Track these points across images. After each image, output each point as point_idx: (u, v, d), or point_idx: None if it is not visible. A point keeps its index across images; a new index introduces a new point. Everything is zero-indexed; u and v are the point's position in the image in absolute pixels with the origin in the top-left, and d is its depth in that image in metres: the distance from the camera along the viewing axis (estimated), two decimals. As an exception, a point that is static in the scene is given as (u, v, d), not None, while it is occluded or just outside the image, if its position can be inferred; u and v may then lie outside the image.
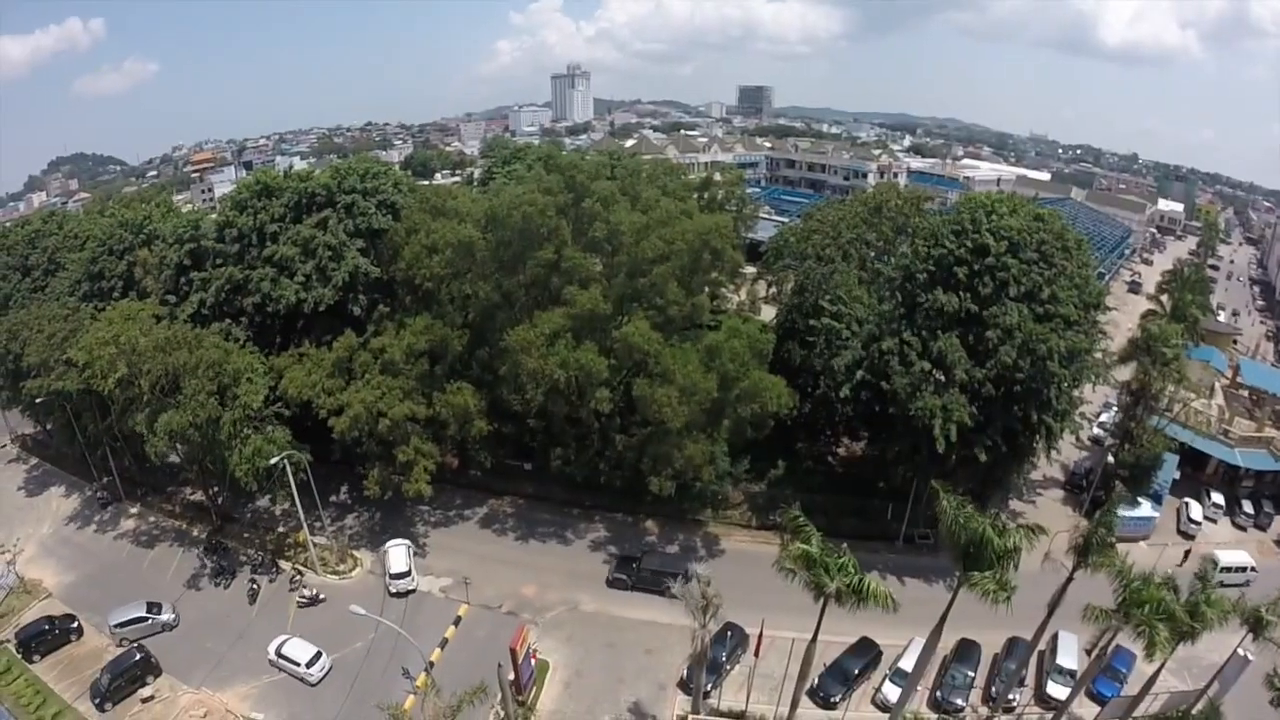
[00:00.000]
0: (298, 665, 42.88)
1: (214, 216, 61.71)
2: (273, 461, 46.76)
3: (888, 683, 40.93)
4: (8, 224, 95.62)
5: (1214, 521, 57.93)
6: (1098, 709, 38.64)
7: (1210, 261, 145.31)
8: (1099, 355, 50.61)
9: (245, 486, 48.45)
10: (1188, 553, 52.00)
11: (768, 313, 61.06)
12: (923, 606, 38.68)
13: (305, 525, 50.32)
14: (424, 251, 50.81)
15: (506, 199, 50.12)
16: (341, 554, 52.79)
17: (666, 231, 47.72)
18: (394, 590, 49.19)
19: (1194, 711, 36.17)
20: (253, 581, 50.41)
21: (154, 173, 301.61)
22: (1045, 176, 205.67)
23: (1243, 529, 57.92)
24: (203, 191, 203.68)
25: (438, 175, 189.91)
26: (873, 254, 63.75)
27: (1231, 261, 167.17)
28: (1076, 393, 49.12)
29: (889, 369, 46.21)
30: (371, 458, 50.30)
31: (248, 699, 42.28)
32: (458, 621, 46.85)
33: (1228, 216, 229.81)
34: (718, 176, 66.81)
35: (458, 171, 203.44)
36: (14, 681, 43.76)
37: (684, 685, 41.31)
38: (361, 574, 51.46)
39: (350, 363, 51.32)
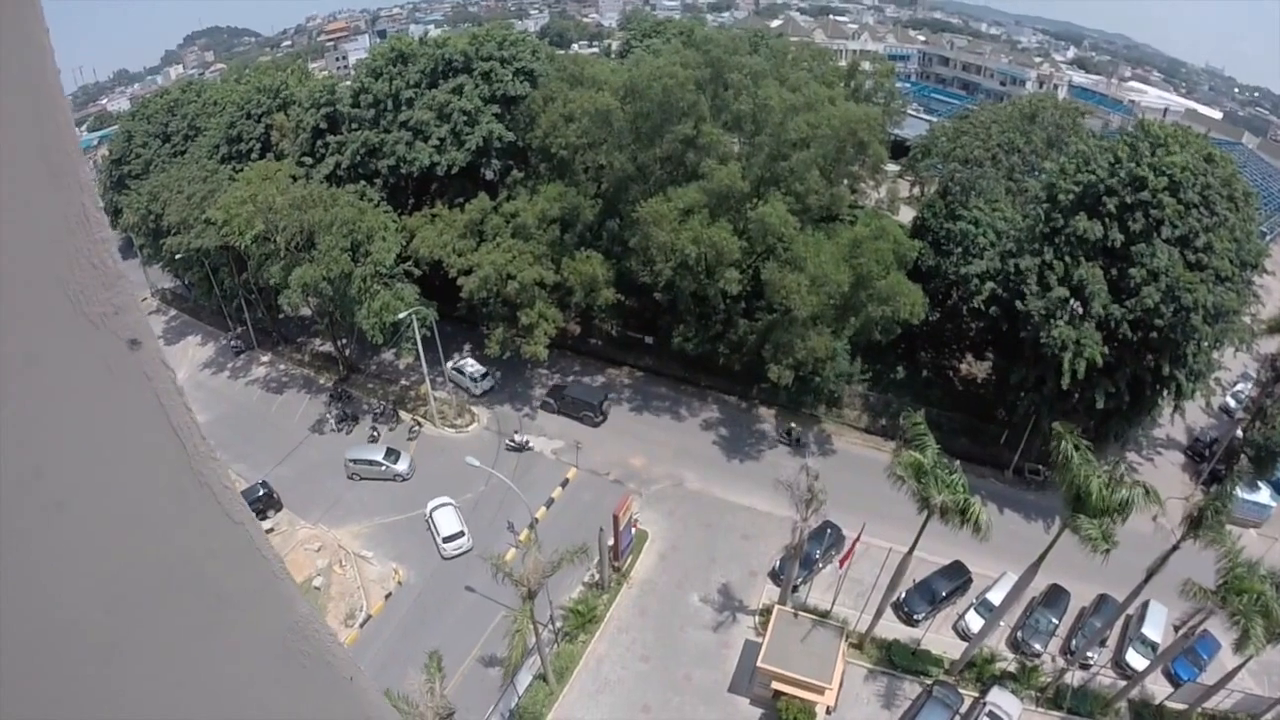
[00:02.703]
0: (438, 534, 43.77)
1: (349, 83, 62.45)
2: (400, 316, 48.31)
3: (972, 612, 39.70)
4: (147, 96, 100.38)
5: (1329, 528, 51.91)
6: (1170, 689, 36.38)
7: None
8: (1247, 319, 45.88)
9: (372, 339, 50.38)
10: None
11: (905, 214, 57.79)
12: (1018, 542, 37.92)
13: (427, 379, 52.24)
14: (560, 120, 50.10)
15: (647, 70, 48.40)
16: (460, 408, 54.91)
17: (812, 116, 45.36)
18: (478, 391, 55.12)
19: None
20: (374, 429, 53.24)
21: (288, 43, 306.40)
22: (1217, 115, 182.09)
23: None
24: (337, 59, 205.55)
25: (574, 46, 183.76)
26: (1021, 163, 59.19)
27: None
28: (1216, 354, 44.98)
29: (1024, 289, 43.48)
30: (496, 318, 51.45)
31: (359, 537, 45.27)
32: (565, 484, 48.38)
33: None
34: (865, 66, 62.46)
35: (595, 43, 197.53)
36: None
37: (775, 575, 41.47)
38: (478, 429, 53.44)
39: (482, 225, 51.86)
